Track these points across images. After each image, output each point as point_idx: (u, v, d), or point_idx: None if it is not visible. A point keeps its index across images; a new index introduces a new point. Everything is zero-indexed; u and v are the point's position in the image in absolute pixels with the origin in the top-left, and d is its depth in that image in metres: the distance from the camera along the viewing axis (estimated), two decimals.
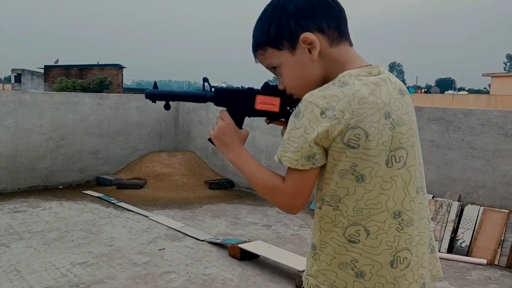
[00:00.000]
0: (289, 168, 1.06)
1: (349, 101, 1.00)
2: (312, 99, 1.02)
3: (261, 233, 4.63)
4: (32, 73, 40.15)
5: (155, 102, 1.39)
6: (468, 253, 4.12)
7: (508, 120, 4.15)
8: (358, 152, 1.01)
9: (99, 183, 6.64)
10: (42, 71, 34.43)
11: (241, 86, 1.30)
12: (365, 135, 1.00)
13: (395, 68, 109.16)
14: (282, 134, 1.23)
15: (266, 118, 1.28)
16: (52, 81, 30.82)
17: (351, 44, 1.13)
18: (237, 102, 1.25)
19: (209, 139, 1.29)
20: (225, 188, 6.63)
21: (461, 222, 4.30)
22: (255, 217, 5.24)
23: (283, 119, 1.26)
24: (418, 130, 1.15)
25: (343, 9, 1.12)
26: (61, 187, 6.42)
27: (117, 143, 6.98)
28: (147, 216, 5.07)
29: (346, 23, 1.12)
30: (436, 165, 4.60)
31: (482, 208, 4.23)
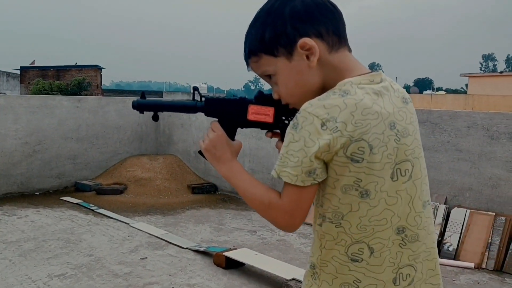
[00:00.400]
0: (286, 183, 0.99)
1: (351, 112, 0.94)
2: (311, 110, 0.95)
3: (246, 240, 4.53)
4: (8, 74, 39.22)
5: (143, 113, 1.34)
6: (455, 256, 4.09)
7: (494, 122, 4.13)
8: (362, 166, 0.95)
9: (78, 189, 6.43)
10: (18, 72, 33.65)
11: (233, 96, 1.23)
12: (369, 148, 0.94)
13: (374, 68, 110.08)
14: (277, 147, 1.17)
15: (267, 131, 1.21)
16: (29, 83, 30.13)
17: (350, 50, 1.07)
18: (229, 113, 1.19)
19: (200, 152, 1.22)
20: (208, 192, 6.50)
21: (448, 225, 4.27)
22: (239, 223, 5.13)
23: (278, 131, 1.20)
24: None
25: (341, 13, 1.05)
26: (37, 193, 6.20)
27: (96, 147, 6.79)
28: (128, 223, 4.92)
29: (345, 27, 1.06)
30: None
31: (468, 211, 4.20)
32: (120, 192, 6.25)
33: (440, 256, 4.13)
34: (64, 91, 24.76)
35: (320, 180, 0.98)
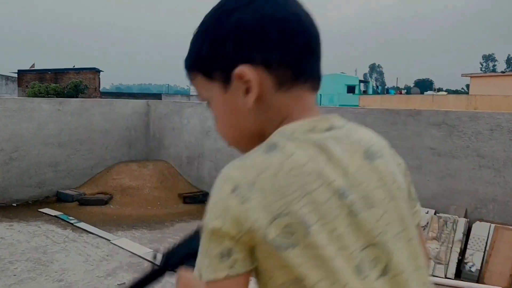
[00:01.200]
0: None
1: (275, 174, 0.64)
2: (226, 172, 0.67)
3: None
4: (7, 77, 38.87)
5: None
6: (479, 278, 3.57)
7: None
8: (298, 255, 0.62)
9: (60, 199, 5.93)
10: (16, 75, 33.26)
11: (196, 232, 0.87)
12: (304, 226, 0.62)
13: (375, 69, 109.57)
14: None
15: None
16: (26, 86, 29.76)
17: (314, 88, 0.74)
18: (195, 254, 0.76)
19: None
20: (200, 202, 5.98)
21: (469, 242, 3.75)
22: None
23: None
24: (406, 201, 0.73)
25: (315, 35, 0.73)
26: (15, 204, 5.69)
27: (80, 154, 6.28)
28: (108, 240, 4.40)
29: (316, 56, 0.73)
30: (437, 176, 4.05)
31: (493, 225, 3.69)
32: (105, 202, 5.74)
33: (461, 278, 3.63)
34: (60, 94, 24.35)
35: (240, 272, 0.63)
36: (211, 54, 0.72)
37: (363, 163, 0.70)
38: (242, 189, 0.63)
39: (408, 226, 0.71)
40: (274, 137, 0.69)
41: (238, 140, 0.75)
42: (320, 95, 37.80)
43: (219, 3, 0.74)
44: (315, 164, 0.66)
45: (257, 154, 0.68)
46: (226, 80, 0.71)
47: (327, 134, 0.70)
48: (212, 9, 0.74)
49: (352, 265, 0.64)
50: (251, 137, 0.73)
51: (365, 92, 42.74)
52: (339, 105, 35.05)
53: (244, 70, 0.69)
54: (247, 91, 0.70)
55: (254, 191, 0.63)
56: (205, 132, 6.28)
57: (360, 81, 45.80)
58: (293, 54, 0.70)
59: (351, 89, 41.57)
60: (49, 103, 6.11)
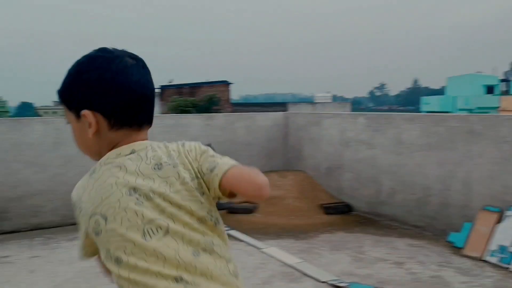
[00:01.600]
0: None
1: (90, 191, 1.06)
2: (73, 192, 1.12)
3: (392, 274, 3.93)
4: None
5: None
6: None
7: None
8: (104, 236, 1.04)
9: None
10: (159, 90, 36.71)
11: None
12: (104, 219, 1.03)
13: None
14: None
15: None
16: (167, 100, 32.68)
17: (141, 128, 1.12)
18: None
19: None
20: (342, 212, 5.99)
21: None
22: (381, 251, 4.53)
23: None
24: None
25: (143, 94, 1.10)
26: None
27: None
28: (259, 248, 4.64)
29: (142, 107, 1.11)
30: None
31: None
32: (251, 211, 6.04)
33: None
34: (196, 107, 26.24)
35: (88, 257, 1.16)
36: (69, 97, 1.10)
37: (152, 171, 1.06)
38: (78, 203, 1.08)
39: (183, 205, 1.05)
40: (97, 164, 1.08)
41: (87, 153, 1.14)
42: (455, 97, 35.12)
43: (82, 61, 1.09)
44: (112, 178, 1.04)
45: (85, 177, 1.09)
46: (78, 115, 1.08)
47: (127, 156, 1.07)
48: (76, 63, 1.09)
49: (140, 234, 1.01)
50: (94, 153, 1.12)
51: (506, 92, 38.68)
52: (477, 108, 32.17)
53: (87, 113, 1.06)
54: (90, 125, 1.07)
55: (82, 203, 1.07)
56: (345, 142, 6.27)
57: (502, 80, 41.63)
58: (124, 106, 1.07)
59: (490, 90, 38.07)
60: (199, 118, 6.65)
